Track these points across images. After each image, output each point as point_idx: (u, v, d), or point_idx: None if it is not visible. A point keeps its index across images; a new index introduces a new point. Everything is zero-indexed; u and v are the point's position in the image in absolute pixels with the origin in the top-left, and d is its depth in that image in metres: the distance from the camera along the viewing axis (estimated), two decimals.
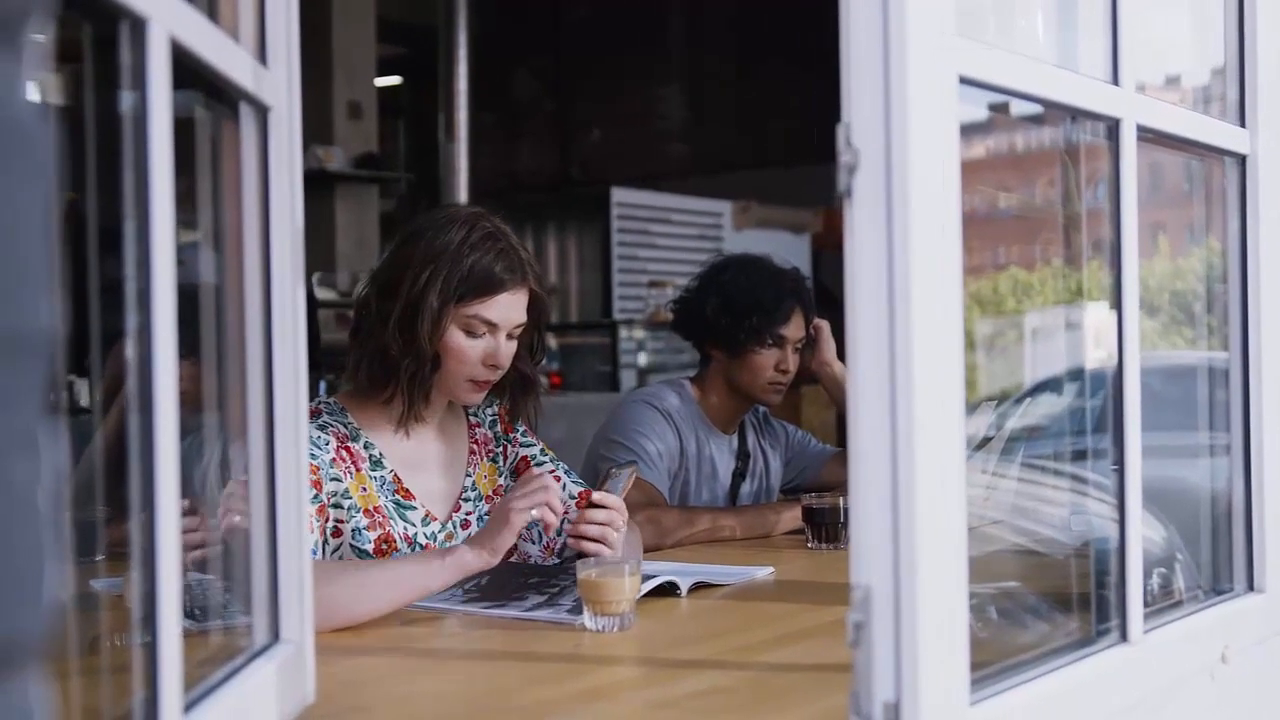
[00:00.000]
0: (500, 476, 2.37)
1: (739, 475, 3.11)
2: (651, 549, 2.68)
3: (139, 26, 0.99)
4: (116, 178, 1.02)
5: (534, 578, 2.12)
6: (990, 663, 1.31)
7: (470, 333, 2.18)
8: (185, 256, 1.09)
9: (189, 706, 1.09)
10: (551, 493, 1.99)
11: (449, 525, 2.27)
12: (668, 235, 8.28)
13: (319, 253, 7.21)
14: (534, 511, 1.95)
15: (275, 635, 1.36)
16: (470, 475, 2.33)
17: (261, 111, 1.34)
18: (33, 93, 0.58)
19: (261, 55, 1.34)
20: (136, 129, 1.01)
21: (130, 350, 1.01)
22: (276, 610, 1.36)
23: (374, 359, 2.19)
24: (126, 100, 1.01)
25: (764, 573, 2.34)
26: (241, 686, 1.22)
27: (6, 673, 0.55)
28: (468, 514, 2.31)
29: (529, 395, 2.34)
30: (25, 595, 0.56)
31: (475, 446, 2.37)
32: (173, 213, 1.03)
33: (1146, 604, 1.54)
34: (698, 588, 2.16)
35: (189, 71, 1.11)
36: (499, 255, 2.17)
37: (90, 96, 1.06)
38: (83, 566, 1.48)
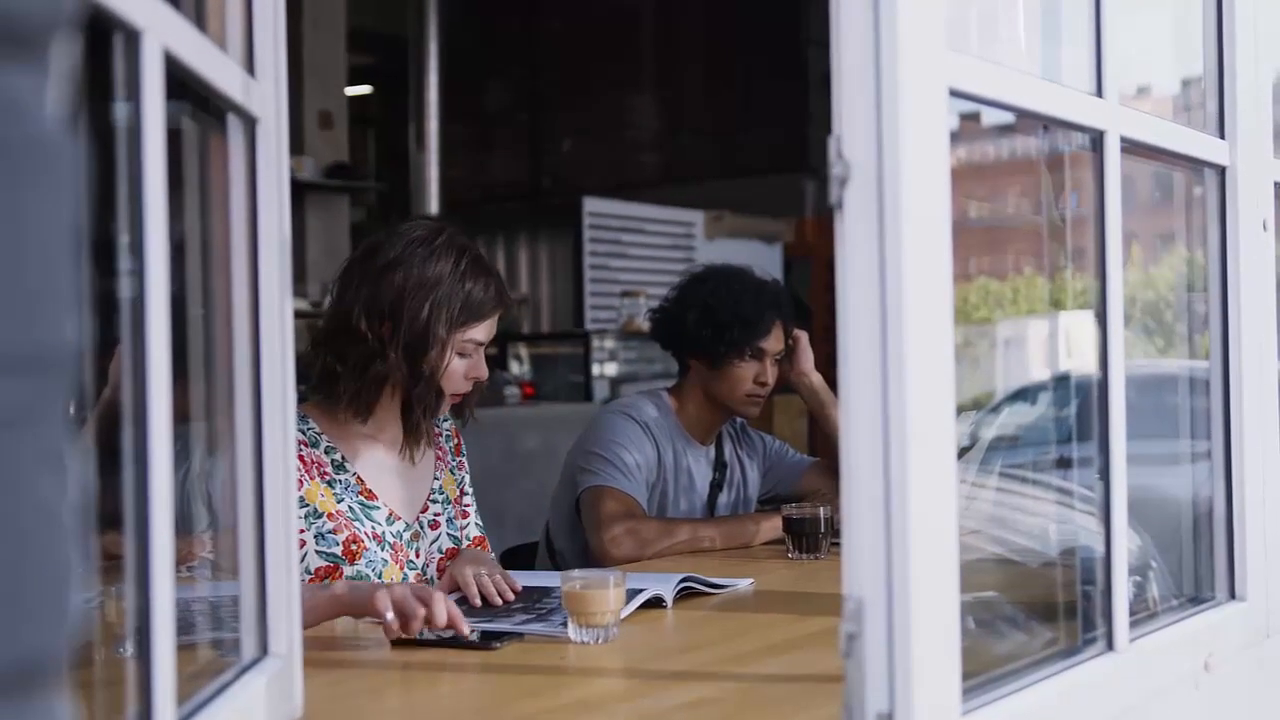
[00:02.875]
0: (456, 487, 2.45)
1: (716, 486, 3.11)
2: (632, 560, 2.68)
3: (133, 38, 0.99)
4: (108, 188, 1.02)
5: (519, 600, 2.11)
6: (981, 672, 1.32)
7: (462, 355, 2.27)
8: (171, 268, 1.09)
9: None
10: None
11: (415, 525, 2.32)
12: (640, 245, 8.27)
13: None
14: (389, 615, 1.79)
15: (264, 649, 1.35)
16: (438, 479, 2.40)
17: (250, 123, 1.33)
18: (57, 106, 0.58)
19: (250, 67, 1.33)
20: (130, 140, 1.00)
21: (124, 361, 1.00)
22: (265, 624, 1.35)
23: (375, 385, 2.23)
24: (119, 111, 1.01)
25: (745, 584, 2.34)
26: (231, 701, 1.22)
27: (37, 689, 0.55)
28: (436, 514, 2.37)
29: (478, 389, 2.39)
30: (54, 612, 0.56)
31: (440, 453, 2.44)
32: (166, 224, 1.02)
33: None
34: (684, 595, 2.16)
35: (178, 82, 1.10)
36: (490, 281, 2.28)
37: (80, 107, 1.05)
38: None
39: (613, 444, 2.90)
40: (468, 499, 2.48)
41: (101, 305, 1.03)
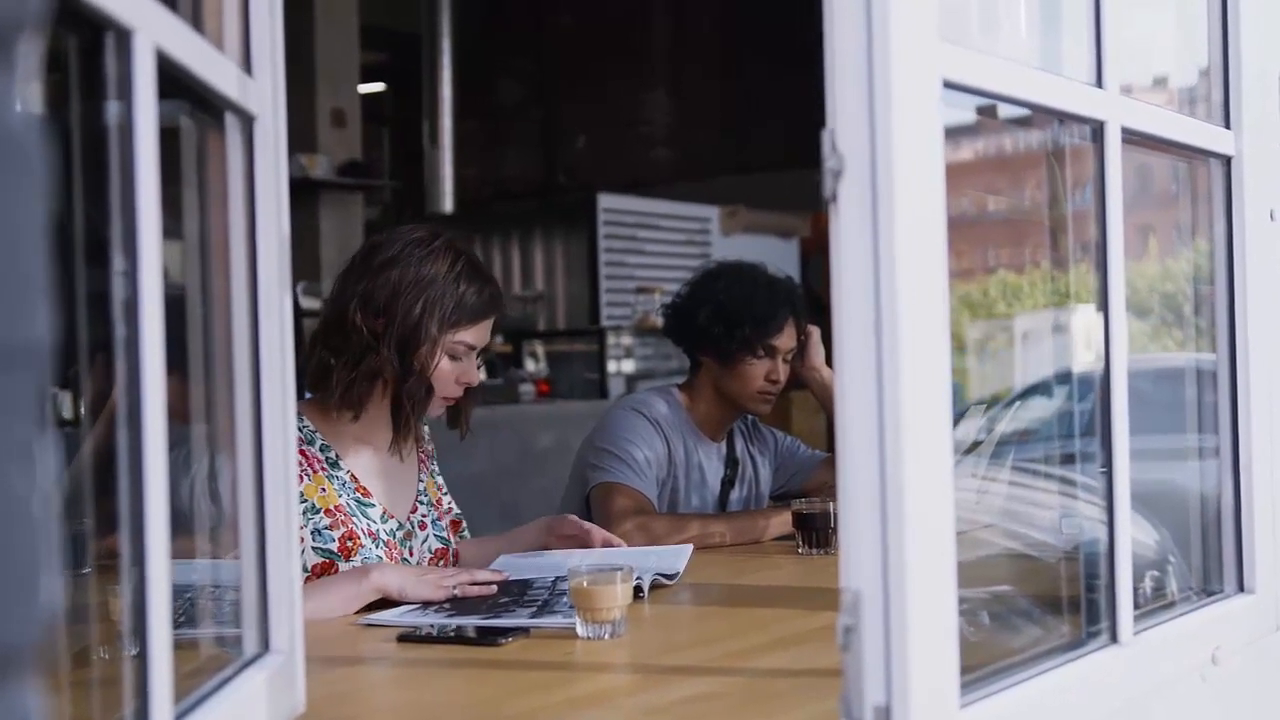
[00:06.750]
0: (437, 490, 2.50)
1: (728, 482, 3.11)
2: None
3: (124, 37, 0.99)
4: (101, 188, 1.02)
5: (503, 597, 2.11)
6: (981, 665, 1.31)
7: (453, 356, 2.30)
8: (169, 267, 1.09)
9: (179, 717, 1.08)
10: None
11: (407, 524, 2.37)
12: (655, 241, 8.28)
13: (303, 262, 7.19)
14: (456, 591, 2.11)
15: (265, 645, 1.36)
16: (422, 481, 2.45)
17: (247, 121, 1.34)
18: (25, 103, 0.58)
19: (246, 65, 1.34)
20: (122, 139, 1.00)
21: (118, 362, 1.00)
22: (266, 620, 1.36)
23: (366, 379, 2.26)
24: (112, 110, 1.01)
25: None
26: (232, 696, 1.22)
27: (8, 679, 0.55)
28: (423, 516, 2.42)
29: (472, 398, 2.42)
30: (23, 604, 0.56)
31: (424, 457, 2.49)
32: (159, 223, 1.03)
33: (1138, 606, 1.54)
34: (690, 589, 2.17)
35: (173, 81, 1.11)
36: (484, 285, 2.32)
37: (74, 106, 1.05)
38: (72, 579, 1.48)
39: (623, 440, 2.91)
40: (447, 497, 2.53)
41: (103, 306, 1.04)
